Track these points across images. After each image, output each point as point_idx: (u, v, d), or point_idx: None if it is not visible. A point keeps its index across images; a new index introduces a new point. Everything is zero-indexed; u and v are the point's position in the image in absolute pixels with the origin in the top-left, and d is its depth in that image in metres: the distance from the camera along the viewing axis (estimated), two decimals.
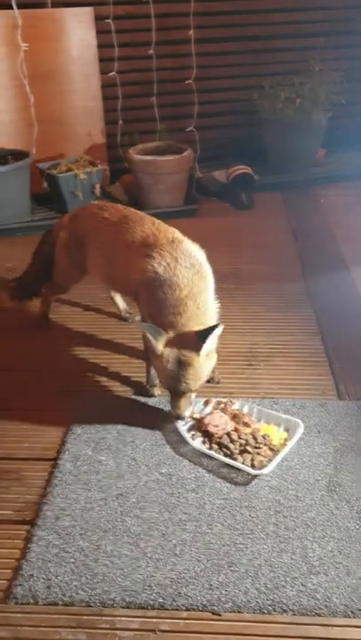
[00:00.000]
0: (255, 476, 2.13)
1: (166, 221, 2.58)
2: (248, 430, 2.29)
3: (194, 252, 2.36)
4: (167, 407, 2.46)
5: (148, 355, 2.59)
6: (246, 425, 2.31)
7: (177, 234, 2.46)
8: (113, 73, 4.71)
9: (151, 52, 4.70)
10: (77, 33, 4.46)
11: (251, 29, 5.03)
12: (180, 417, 2.26)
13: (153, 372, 2.61)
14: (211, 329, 2.17)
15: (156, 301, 2.25)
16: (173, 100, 4.95)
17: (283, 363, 2.78)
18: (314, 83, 4.75)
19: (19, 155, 4.30)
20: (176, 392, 2.22)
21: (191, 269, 2.28)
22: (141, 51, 4.73)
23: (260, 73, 5.01)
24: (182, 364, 2.16)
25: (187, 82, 4.71)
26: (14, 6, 4.16)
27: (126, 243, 2.48)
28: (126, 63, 4.76)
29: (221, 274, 3.35)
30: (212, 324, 2.22)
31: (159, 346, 2.16)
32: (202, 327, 2.19)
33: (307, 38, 5.11)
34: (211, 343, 2.19)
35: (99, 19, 4.51)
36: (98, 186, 4.35)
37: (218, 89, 5.12)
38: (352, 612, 1.69)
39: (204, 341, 2.15)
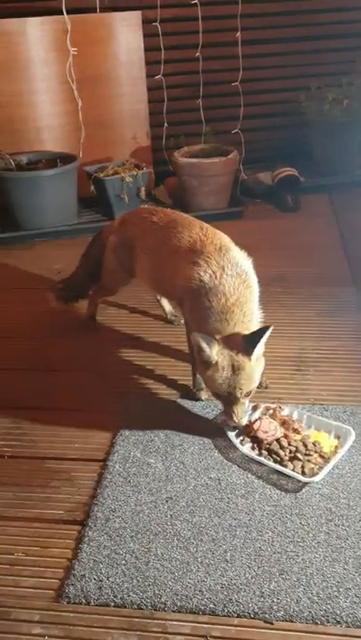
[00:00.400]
0: (306, 484, 2.10)
1: (211, 223, 2.58)
2: (298, 437, 2.27)
3: (241, 261, 2.34)
4: (214, 412, 2.46)
5: (195, 363, 2.59)
6: (296, 431, 2.29)
7: (225, 240, 2.44)
8: (159, 76, 4.73)
9: (198, 54, 4.70)
10: (125, 37, 4.50)
11: (298, 30, 4.99)
12: (238, 426, 2.24)
13: (199, 375, 2.62)
14: (261, 332, 2.16)
15: (202, 309, 2.24)
16: (219, 103, 4.95)
17: (332, 368, 2.74)
18: None
19: (66, 158, 4.36)
20: (231, 399, 2.19)
21: (237, 278, 2.27)
22: (188, 53, 4.74)
23: (307, 74, 4.96)
24: (235, 370, 2.14)
25: (233, 84, 4.70)
26: (64, 12, 4.22)
27: (173, 248, 2.48)
28: (173, 66, 4.78)
29: (268, 277, 3.36)
30: None
31: (213, 354, 2.13)
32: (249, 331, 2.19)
33: (355, 38, 5.05)
34: (261, 346, 2.17)
35: (146, 22, 4.54)
36: (143, 189, 4.38)
37: (264, 90, 5.09)
38: None
39: (254, 345, 2.14)
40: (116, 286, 3.02)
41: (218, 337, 2.16)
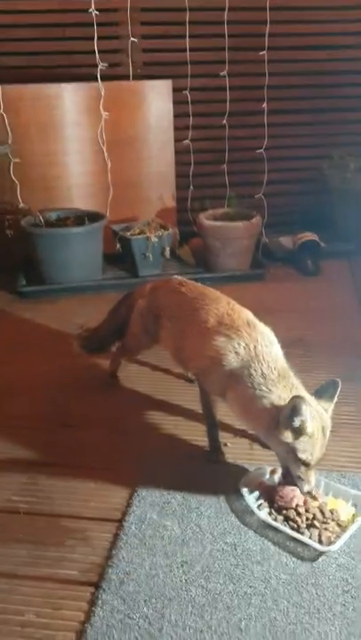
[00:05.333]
0: (322, 553, 2.08)
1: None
2: (315, 504, 2.25)
3: (269, 334, 2.41)
4: (233, 475, 2.45)
5: (213, 426, 2.62)
6: (314, 498, 2.27)
7: (250, 315, 2.50)
8: (187, 141, 4.91)
9: (224, 122, 4.88)
10: (156, 103, 4.69)
11: (321, 102, 5.20)
12: (312, 489, 2.22)
13: (217, 436, 2.63)
14: (332, 386, 2.25)
15: (252, 382, 2.25)
16: (243, 168, 5.09)
17: (351, 434, 2.74)
18: None
19: (94, 216, 4.49)
20: (313, 463, 2.18)
21: (272, 348, 2.34)
22: (215, 120, 4.91)
23: (331, 143, 5.14)
24: (324, 431, 2.16)
25: (258, 151, 4.85)
26: (99, 79, 4.43)
27: (201, 320, 2.51)
28: (200, 132, 4.95)
29: (289, 339, 3.34)
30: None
31: (308, 423, 2.11)
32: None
33: None
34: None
35: (176, 90, 4.73)
36: (168, 248, 4.48)
37: (288, 158, 5.25)
38: None
39: (332, 400, 2.23)
40: (139, 349, 3.09)
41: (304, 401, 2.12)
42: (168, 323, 2.74)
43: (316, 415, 2.14)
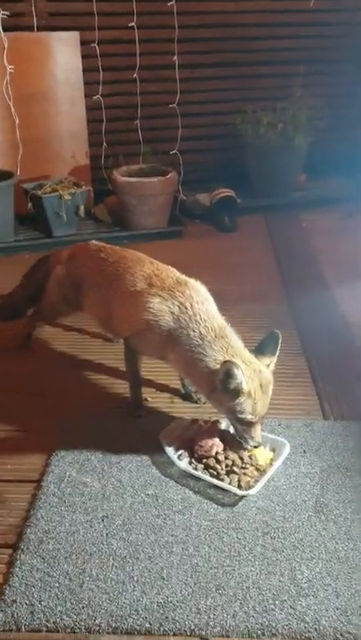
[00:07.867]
0: (242, 497, 2.11)
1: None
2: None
3: (202, 289, 2.37)
4: (153, 428, 2.44)
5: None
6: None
7: (177, 273, 2.45)
8: (97, 96, 4.75)
9: (135, 76, 4.75)
10: (63, 56, 4.50)
11: (233, 56, 5.13)
12: (259, 444, 2.21)
13: (139, 393, 2.60)
14: (273, 338, 2.24)
15: (190, 344, 2.21)
16: (157, 124, 5.01)
17: None
18: (296, 108, 4.84)
19: (3, 175, 4.29)
20: (258, 419, 2.17)
21: (208, 304, 2.31)
22: (126, 75, 4.79)
23: (244, 98, 5.09)
24: (264, 387, 2.14)
25: (170, 106, 4.76)
26: (0, 29, 4.19)
27: (128, 283, 2.43)
28: (111, 87, 4.81)
29: None
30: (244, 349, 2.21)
31: (245, 380, 2.08)
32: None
33: (288, 65, 5.22)
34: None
35: (84, 43, 4.55)
36: (82, 207, 4.35)
37: (201, 113, 5.19)
38: (341, 635, 1.67)
39: (274, 354, 2.22)
40: (56, 316, 3.03)
41: (238, 360, 2.11)
42: (91, 292, 2.64)
43: (253, 374, 2.12)
